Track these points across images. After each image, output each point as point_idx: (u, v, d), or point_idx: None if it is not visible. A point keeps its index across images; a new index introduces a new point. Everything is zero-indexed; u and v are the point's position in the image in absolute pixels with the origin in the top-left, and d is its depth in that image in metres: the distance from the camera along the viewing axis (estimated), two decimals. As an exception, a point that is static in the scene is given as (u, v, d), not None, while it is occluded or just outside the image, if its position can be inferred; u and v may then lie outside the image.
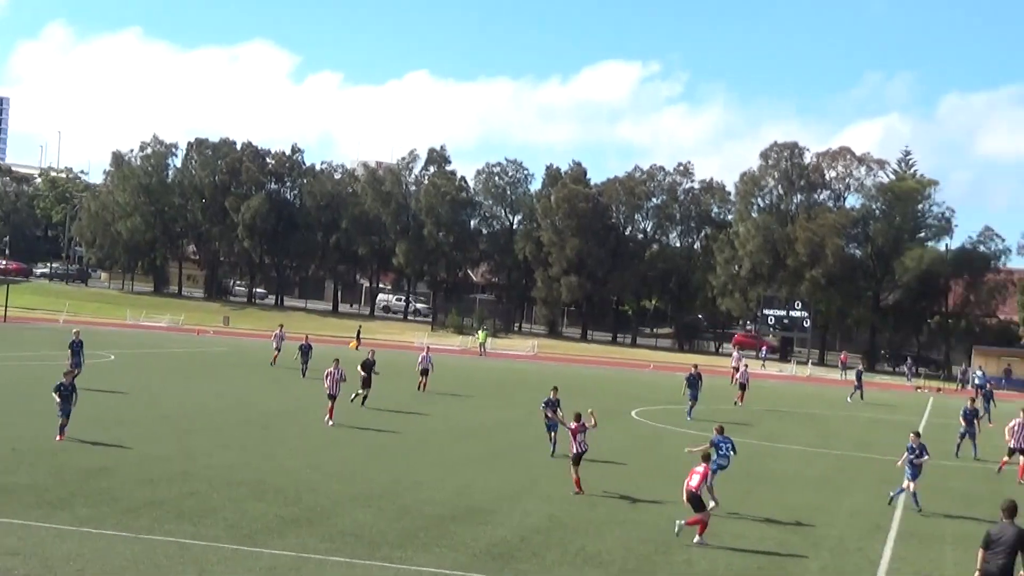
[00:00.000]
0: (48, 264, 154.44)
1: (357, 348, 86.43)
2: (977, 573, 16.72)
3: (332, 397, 38.81)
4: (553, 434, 33.91)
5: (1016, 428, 36.11)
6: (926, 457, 29.05)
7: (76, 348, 46.83)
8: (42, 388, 40.72)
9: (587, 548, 21.54)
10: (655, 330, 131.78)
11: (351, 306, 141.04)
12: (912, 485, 28.28)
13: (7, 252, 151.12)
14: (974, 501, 31.02)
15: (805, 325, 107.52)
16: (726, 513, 25.74)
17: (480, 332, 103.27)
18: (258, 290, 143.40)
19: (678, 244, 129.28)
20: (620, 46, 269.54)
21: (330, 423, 37.76)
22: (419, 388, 52.62)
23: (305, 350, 57.71)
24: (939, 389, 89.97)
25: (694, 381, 49.48)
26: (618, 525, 23.92)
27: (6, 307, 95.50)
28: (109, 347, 68.26)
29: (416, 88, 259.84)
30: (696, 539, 22.58)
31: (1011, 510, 17.03)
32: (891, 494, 28.89)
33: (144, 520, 21.25)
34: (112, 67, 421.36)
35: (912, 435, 29.61)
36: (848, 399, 66.45)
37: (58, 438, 29.99)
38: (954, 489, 33.18)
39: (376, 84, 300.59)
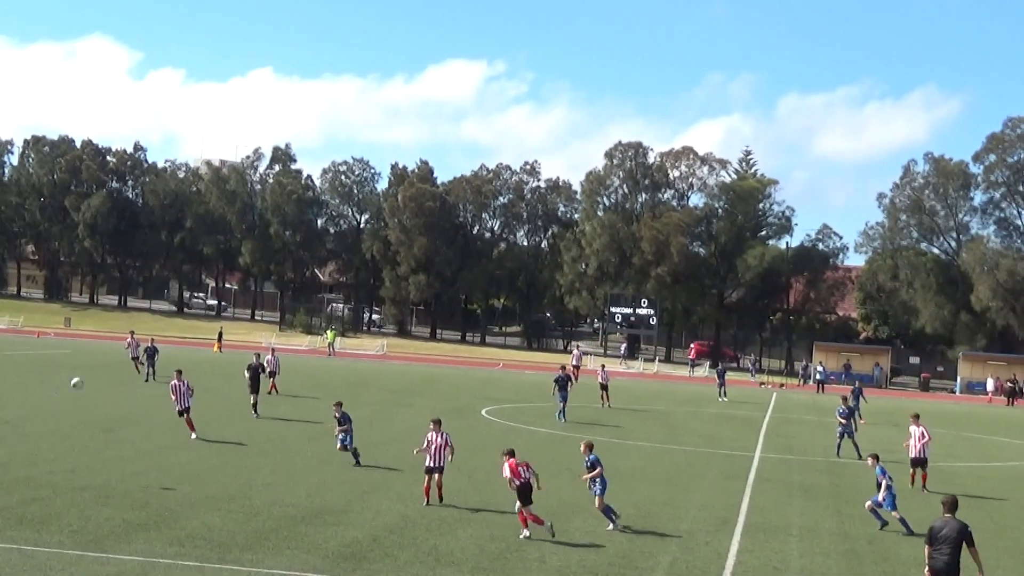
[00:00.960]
0: None
1: (220, 351, 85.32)
2: (926, 568, 17.09)
3: (182, 413, 36.03)
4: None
5: (914, 441, 34.41)
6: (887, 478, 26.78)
7: None
8: None
9: (440, 547, 21.52)
10: (504, 329, 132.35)
11: (190, 308, 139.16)
12: (896, 513, 26.14)
13: None
14: (817, 493, 31.70)
15: (652, 322, 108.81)
16: (575, 509, 25.93)
17: (329, 332, 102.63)
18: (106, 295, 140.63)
19: (525, 243, 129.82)
20: (465, 45, 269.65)
21: (193, 436, 34.83)
22: (269, 391, 51.72)
23: (151, 353, 56.67)
24: (782, 385, 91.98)
25: (563, 382, 49.28)
26: (470, 524, 23.96)
27: None
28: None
29: (260, 86, 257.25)
30: (524, 533, 22.91)
31: (952, 505, 17.32)
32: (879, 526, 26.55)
33: (-16, 527, 20.69)
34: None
35: (871, 459, 27.57)
36: (721, 399, 66.46)
37: None
38: (795, 482, 33.84)
39: (219, 81, 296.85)
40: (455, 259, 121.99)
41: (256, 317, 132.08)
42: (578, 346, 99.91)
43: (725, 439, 45.14)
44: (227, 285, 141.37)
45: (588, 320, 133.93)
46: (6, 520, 21.44)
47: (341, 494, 26.61)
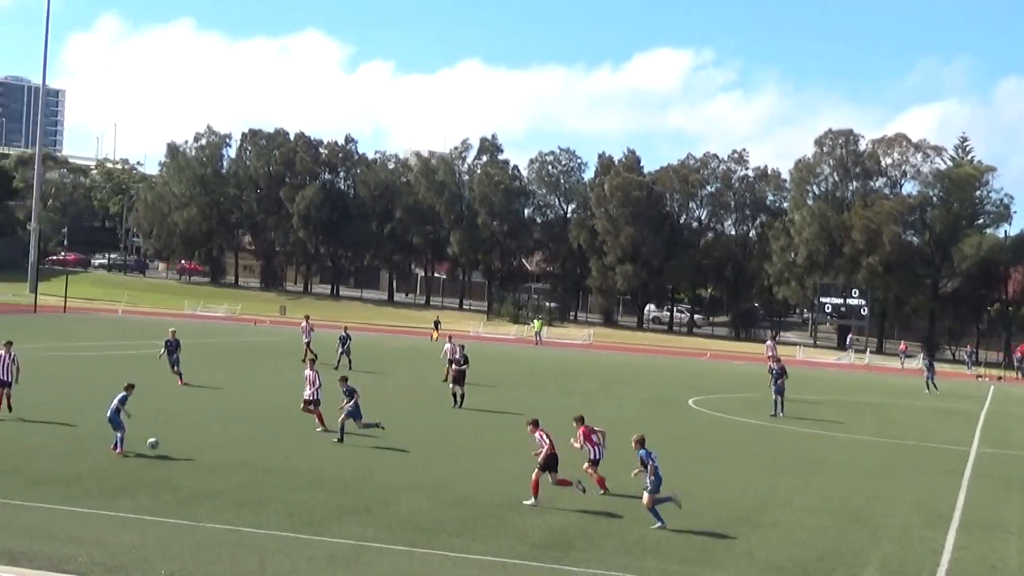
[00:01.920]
0: (106, 255, 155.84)
1: (435, 339, 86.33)
2: None
3: (309, 403, 33.90)
4: None
5: None
6: None
7: (172, 347, 44.92)
8: (103, 378, 41.11)
9: (646, 537, 21.44)
10: (711, 319, 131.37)
11: (406, 295, 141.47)
12: None
13: (66, 243, 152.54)
14: (1037, 490, 30.67)
15: (863, 313, 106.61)
16: (780, 502, 25.57)
17: (536, 321, 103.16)
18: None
19: (733, 232, 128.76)
20: (672, 33, 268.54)
21: (319, 430, 32.77)
22: (444, 379, 49.51)
23: (343, 340, 56.84)
24: (1000, 378, 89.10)
25: (778, 374, 46.63)
26: (676, 514, 23.78)
27: (65, 298, 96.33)
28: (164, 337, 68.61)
29: (468, 76, 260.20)
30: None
31: None
32: None
33: (204, 509, 21.37)
34: (165, 58, 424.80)
35: None
36: (928, 390, 64.57)
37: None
38: (1015, 478, 32.73)
39: (428, 73, 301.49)
40: (662, 249, 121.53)
41: (464, 306, 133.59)
42: (773, 337, 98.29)
43: (940, 433, 43.94)
44: (435, 275, 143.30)
45: (797, 310, 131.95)
46: (225, 502, 22.12)
47: (548, 483, 26.68)
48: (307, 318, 62.36)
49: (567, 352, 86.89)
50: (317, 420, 33.28)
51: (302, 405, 34.06)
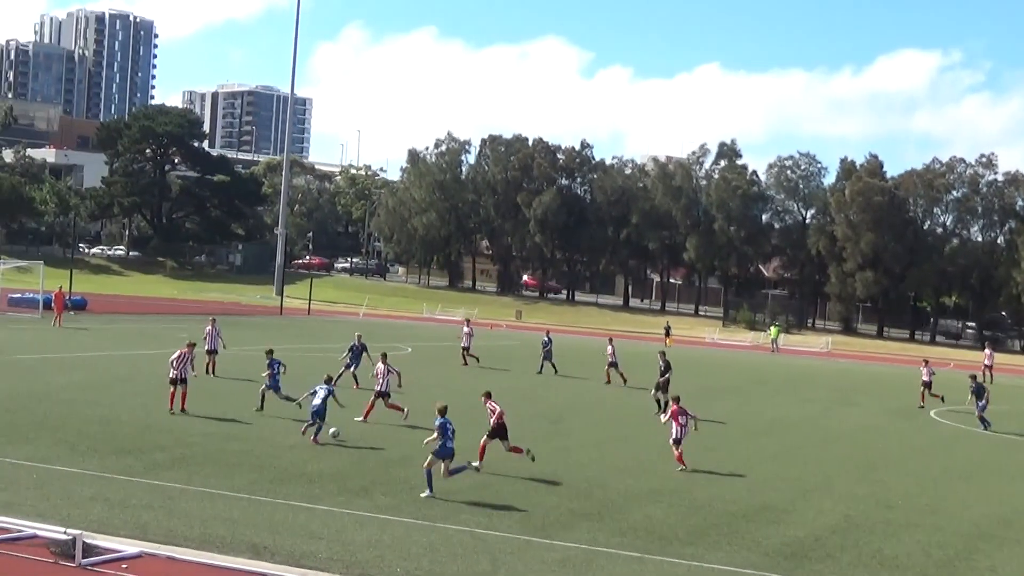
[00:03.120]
0: (348, 259, 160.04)
1: (670, 346, 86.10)
2: None
3: (379, 396, 33.97)
4: None
5: None
6: None
7: (356, 352, 44.02)
8: (345, 379, 42.15)
9: (884, 551, 20.94)
10: (960, 327, 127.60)
11: (641, 301, 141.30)
12: None
13: (311, 248, 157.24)
14: None
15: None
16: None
17: (772, 328, 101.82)
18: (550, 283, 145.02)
19: (980, 238, 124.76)
20: (918, 34, 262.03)
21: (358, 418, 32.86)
22: (607, 381, 49.96)
23: (544, 344, 56.30)
24: None
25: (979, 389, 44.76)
26: (916, 528, 23.19)
27: (310, 301, 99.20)
28: (407, 340, 70.19)
29: (706, 81, 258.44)
30: None
31: None
32: None
33: (440, 509, 21.73)
34: (407, 66, 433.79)
35: None
36: None
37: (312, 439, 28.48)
38: None
39: (666, 78, 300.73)
40: (904, 255, 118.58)
41: (700, 312, 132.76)
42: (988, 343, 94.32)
43: None
44: (671, 280, 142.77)
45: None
46: (460, 503, 22.44)
47: (783, 492, 26.34)
48: (468, 321, 61.39)
49: (804, 360, 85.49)
50: (392, 410, 33.51)
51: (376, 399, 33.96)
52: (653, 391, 41.86)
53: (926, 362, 52.20)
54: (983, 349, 76.84)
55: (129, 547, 17.59)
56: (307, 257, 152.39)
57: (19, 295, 75.32)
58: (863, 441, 37.04)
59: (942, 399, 49.56)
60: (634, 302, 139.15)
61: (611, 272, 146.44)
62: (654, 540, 20.48)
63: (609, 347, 51.77)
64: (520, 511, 22.11)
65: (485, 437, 26.34)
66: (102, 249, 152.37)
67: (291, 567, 17.31)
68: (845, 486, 27.69)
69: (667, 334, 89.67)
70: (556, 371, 53.48)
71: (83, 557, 16.67)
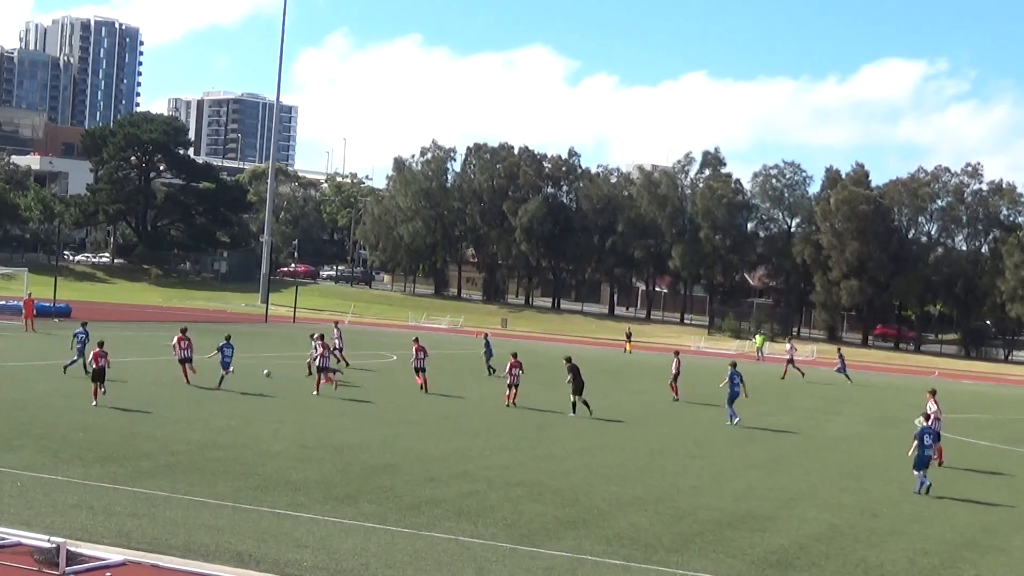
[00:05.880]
0: (334, 267, 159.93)
1: (629, 351, 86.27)
2: None
3: (320, 370, 42.41)
4: None
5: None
6: None
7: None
8: (329, 388, 42.12)
9: (868, 559, 20.96)
10: (940, 336, 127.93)
11: (627, 309, 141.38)
12: None
13: (296, 255, 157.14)
14: None
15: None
16: (1021, 526, 24.70)
17: (757, 336, 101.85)
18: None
19: (964, 247, 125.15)
20: (903, 43, 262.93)
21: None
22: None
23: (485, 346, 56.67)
24: None
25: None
26: (901, 536, 23.21)
27: (295, 308, 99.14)
28: (392, 348, 70.12)
29: (692, 89, 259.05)
30: None
31: None
32: None
33: (425, 517, 21.70)
34: (393, 74, 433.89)
35: None
36: None
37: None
38: None
39: (651, 86, 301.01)
40: (889, 264, 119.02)
41: (685, 321, 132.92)
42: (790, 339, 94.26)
43: None
44: (657, 288, 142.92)
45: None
46: (445, 511, 22.42)
47: (767, 500, 26.37)
48: (337, 323, 60.73)
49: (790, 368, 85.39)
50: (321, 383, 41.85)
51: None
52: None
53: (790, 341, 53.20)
54: (968, 357, 77.01)
55: (113, 555, 17.56)
56: (292, 265, 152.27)
57: (3, 302, 75.15)
58: (847, 449, 37.11)
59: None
60: (619, 310, 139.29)
61: (597, 280, 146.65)
62: (639, 548, 20.47)
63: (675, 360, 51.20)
64: (505, 519, 22.09)
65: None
66: (87, 256, 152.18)
67: (276, 575, 17.28)
68: (830, 494, 27.72)
69: (628, 339, 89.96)
70: (492, 372, 53.98)
71: (67, 565, 16.63)
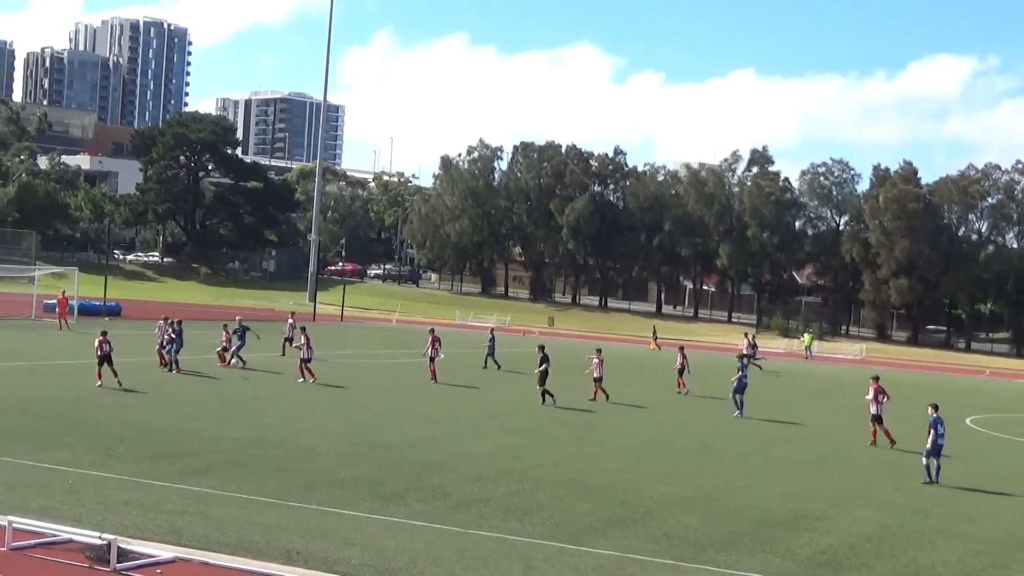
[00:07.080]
0: (381, 265, 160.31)
1: (658, 348, 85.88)
2: None
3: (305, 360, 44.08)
4: None
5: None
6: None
7: (241, 333, 49.08)
8: (378, 384, 42.22)
9: (919, 560, 20.78)
10: (991, 335, 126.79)
11: (674, 308, 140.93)
12: None
13: (344, 254, 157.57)
14: None
15: None
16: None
17: (806, 335, 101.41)
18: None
19: (1015, 245, 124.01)
20: (952, 40, 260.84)
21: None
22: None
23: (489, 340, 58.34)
24: None
25: None
26: (952, 536, 23.00)
27: (343, 307, 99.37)
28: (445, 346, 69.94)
29: (739, 86, 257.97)
30: None
31: None
32: None
33: (472, 516, 21.69)
34: (439, 72, 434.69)
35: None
36: None
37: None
38: None
39: (698, 83, 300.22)
40: (939, 262, 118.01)
41: (732, 319, 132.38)
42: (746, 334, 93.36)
43: None
44: (704, 287, 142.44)
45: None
46: (493, 510, 22.40)
47: (818, 500, 26.19)
48: (292, 314, 62.14)
49: (838, 367, 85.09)
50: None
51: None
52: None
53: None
54: (1019, 356, 76.30)
55: (163, 552, 17.64)
56: (340, 264, 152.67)
57: (53, 301, 75.71)
58: (898, 448, 36.84)
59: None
60: (667, 309, 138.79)
61: (644, 279, 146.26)
62: (688, 547, 20.37)
63: (679, 356, 51.42)
64: (553, 517, 22.05)
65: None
66: (137, 255, 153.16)
67: (324, 573, 17.29)
68: (881, 494, 27.52)
69: (654, 337, 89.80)
70: (500, 367, 56.08)
71: (118, 562, 16.72)
